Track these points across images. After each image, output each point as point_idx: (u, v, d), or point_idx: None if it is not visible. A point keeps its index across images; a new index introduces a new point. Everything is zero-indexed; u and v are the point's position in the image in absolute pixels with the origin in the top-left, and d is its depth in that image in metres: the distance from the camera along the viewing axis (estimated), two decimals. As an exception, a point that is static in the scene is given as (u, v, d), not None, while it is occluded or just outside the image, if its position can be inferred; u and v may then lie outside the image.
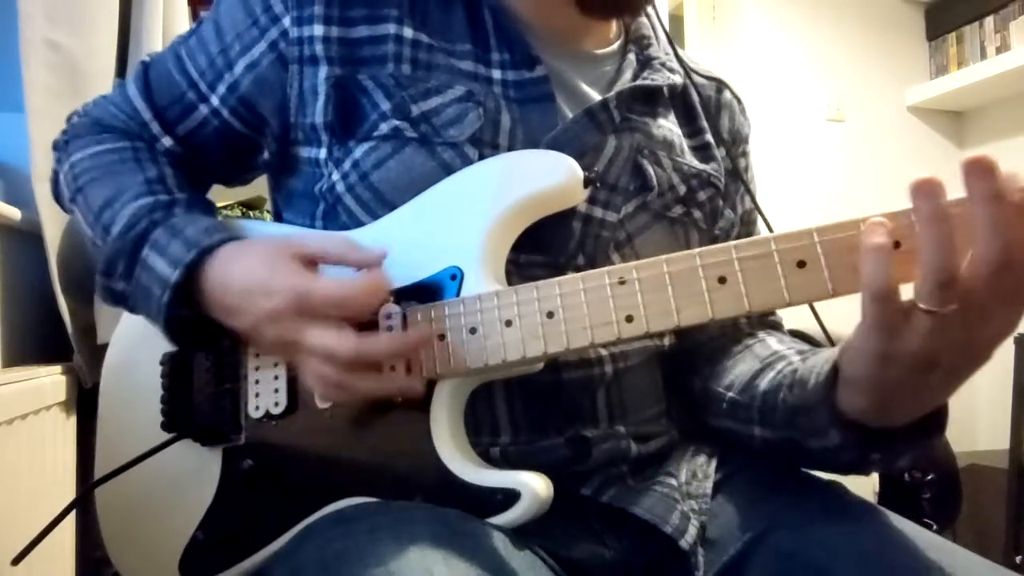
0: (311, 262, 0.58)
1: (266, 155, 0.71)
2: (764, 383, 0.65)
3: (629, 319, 0.53)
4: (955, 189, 0.46)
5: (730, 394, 0.68)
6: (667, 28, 0.80)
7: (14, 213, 0.93)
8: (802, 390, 0.58)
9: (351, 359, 0.54)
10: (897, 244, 0.46)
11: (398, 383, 0.57)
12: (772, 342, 0.72)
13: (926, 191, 0.44)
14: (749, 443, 0.67)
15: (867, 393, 0.51)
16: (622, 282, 0.54)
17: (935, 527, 0.68)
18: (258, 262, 0.58)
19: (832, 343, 0.74)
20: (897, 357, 0.46)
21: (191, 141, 0.72)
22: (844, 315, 0.52)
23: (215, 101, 0.69)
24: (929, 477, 0.74)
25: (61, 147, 0.73)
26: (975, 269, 0.42)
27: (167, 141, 0.71)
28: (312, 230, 0.68)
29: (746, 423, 0.66)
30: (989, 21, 2.59)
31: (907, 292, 0.46)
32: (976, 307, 0.43)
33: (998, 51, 2.54)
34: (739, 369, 0.69)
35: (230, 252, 0.60)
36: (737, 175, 0.77)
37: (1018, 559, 1.92)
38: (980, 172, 0.42)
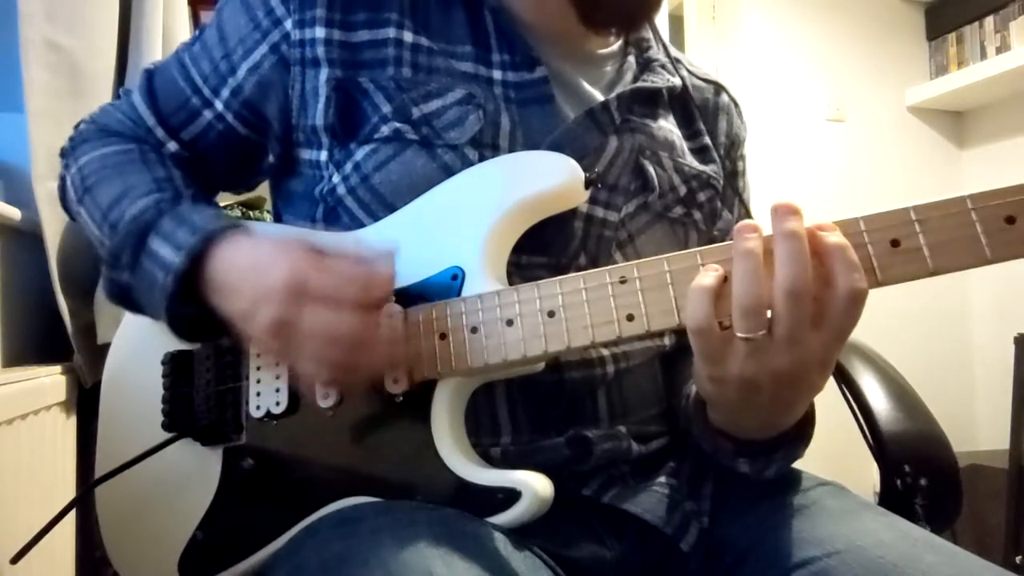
0: (318, 252, 0.57)
1: (271, 159, 0.71)
2: (685, 391, 0.69)
3: (630, 318, 0.53)
4: (955, 190, 0.47)
5: (672, 399, 0.72)
6: (667, 29, 0.80)
7: (14, 213, 0.93)
8: (689, 402, 0.65)
9: (354, 336, 0.53)
10: (726, 279, 0.50)
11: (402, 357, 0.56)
12: None
13: (744, 231, 0.49)
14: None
15: (715, 409, 0.59)
16: (623, 281, 0.54)
17: (930, 527, 0.68)
18: (265, 246, 0.57)
19: None
20: (725, 380, 0.52)
21: (196, 147, 0.72)
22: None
23: (219, 106, 0.70)
24: (926, 478, 0.74)
25: (68, 153, 0.73)
26: (775, 297, 0.48)
27: (172, 146, 0.71)
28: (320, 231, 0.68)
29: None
30: (989, 21, 2.59)
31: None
32: (784, 333, 0.48)
33: (998, 51, 2.54)
34: (685, 375, 0.71)
35: (235, 238, 0.58)
36: (735, 179, 0.77)
37: (1018, 559, 1.92)
38: (784, 212, 0.48)
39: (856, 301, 0.48)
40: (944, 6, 2.77)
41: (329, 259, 0.55)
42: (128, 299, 0.63)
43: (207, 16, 1.56)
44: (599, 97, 0.69)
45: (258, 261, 0.56)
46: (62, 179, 0.73)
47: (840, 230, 0.49)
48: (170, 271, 0.58)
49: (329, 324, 0.53)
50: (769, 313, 0.48)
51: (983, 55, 2.60)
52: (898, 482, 0.76)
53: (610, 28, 0.71)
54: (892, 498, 0.74)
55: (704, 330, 0.50)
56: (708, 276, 0.50)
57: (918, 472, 0.75)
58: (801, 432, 0.59)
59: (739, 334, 0.49)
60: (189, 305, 0.59)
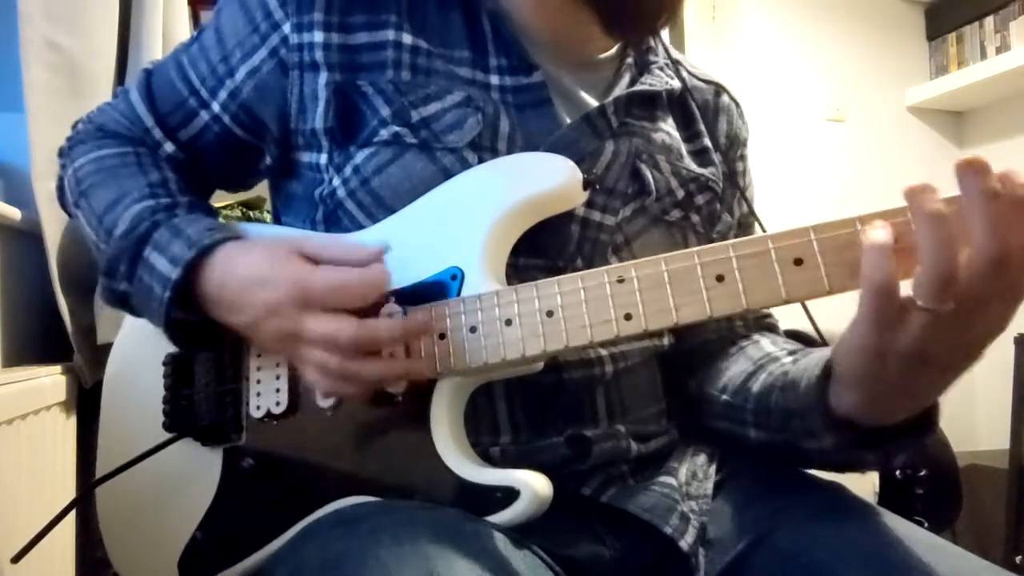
0: (310, 259, 0.58)
1: (268, 160, 0.71)
2: (756, 385, 0.65)
3: (628, 317, 0.53)
4: (954, 190, 0.47)
5: (724, 396, 0.69)
6: (666, 29, 0.80)
7: (14, 213, 0.93)
8: (794, 392, 0.59)
9: (353, 343, 0.54)
10: (894, 241, 0.46)
11: (403, 366, 0.57)
12: (765, 343, 0.72)
13: (923, 192, 0.45)
14: (745, 444, 0.67)
15: (859, 390, 0.52)
16: (621, 281, 0.54)
17: (926, 525, 0.68)
18: (259, 258, 0.58)
19: (824, 341, 0.74)
20: (892, 353, 0.47)
21: (193, 147, 0.72)
22: (837, 314, 0.52)
23: (216, 108, 0.70)
24: (922, 473, 0.74)
25: (65, 153, 0.74)
26: (972, 267, 0.43)
27: (169, 147, 0.72)
28: (312, 232, 0.68)
29: (741, 425, 0.67)
30: (989, 21, 2.59)
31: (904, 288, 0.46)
32: (972, 305, 0.43)
33: (998, 51, 2.54)
34: (732, 371, 0.70)
35: (230, 250, 0.60)
36: (733, 180, 0.77)
37: (1018, 559, 1.92)
38: (976, 171, 0.43)
39: None
40: (944, 6, 2.77)
41: (324, 266, 0.56)
42: (127, 306, 0.65)
43: (207, 16, 1.56)
44: (596, 101, 0.69)
45: (257, 274, 0.57)
46: (60, 180, 0.74)
47: (841, 228, 0.49)
48: (167, 285, 0.59)
49: (327, 331, 0.54)
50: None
51: (983, 55, 2.60)
52: (898, 481, 0.76)
53: (630, 34, 0.71)
54: (892, 498, 0.74)
55: (885, 291, 0.44)
56: (881, 232, 0.45)
57: (918, 472, 0.75)
58: (929, 417, 0.54)
59: (925, 305, 0.44)
60: (187, 315, 0.61)
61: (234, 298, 0.58)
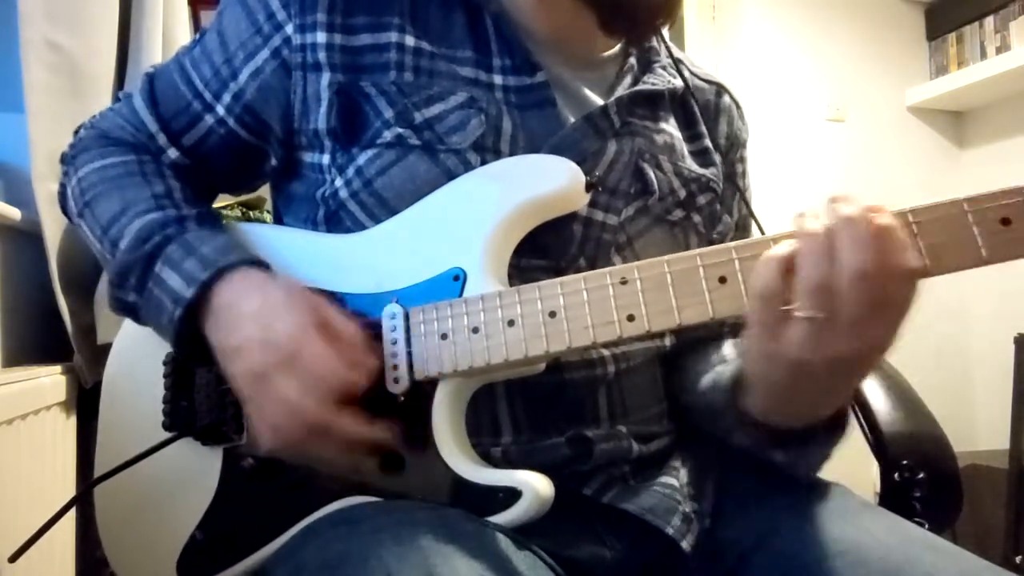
0: (325, 325, 0.57)
1: (273, 162, 0.71)
2: (702, 385, 0.68)
3: (631, 318, 0.53)
4: (955, 190, 0.47)
5: (684, 396, 0.71)
6: (667, 29, 0.80)
7: (14, 213, 0.93)
8: (713, 393, 0.64)
9: (313, 427, 0.54)
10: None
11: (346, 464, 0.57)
12: (727, 346, 0.73)
13: (801, 218, 0.49)
14: (712, 441, 0.69)
15: (759, 393, 0.57)
16: (624, 282, 0.54)
17: (927, 525, 0.68)
18: (278, 296, 0.58)
19: None
20: (778, 358, 0.50)
21: (197, 151, 0.72)
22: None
23: (220, 110, 0.69)
24: (922, 474, 0.74)
25: (68, 161, 0.73)
26: (840, 280, 0.47)
27: (173, 153, 0.71)
28: (325, 240, 0.67)
29: (702, 424, 0.70)
30: (989, 21, 2.59)
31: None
32: (846, 316, 0.47)
33: (998, 51, 2.54)
34: (696, 371, 0.71)
35: (245, 275, 0.60)
36: (734, 180, 0.77)
37: (1018, 559, 1.92)
38: (840, 201, 0.48)
39: (911, 281, 0.47)
40: (944, 6, 2.77)
41: (325, 342, 0.55)
42: (134, 315, 0.65)
43: (207, 16, 1.56)
44: (599, 101, 0.69)
45: (266, 308, 0.57)
46: (62, 187, 0.73)
47: None
48: (180, 303, 0.59)
49: (298, 403, 0.54)
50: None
51: (983, 55, 2.60)
52: (898, 482, 0.76)
53: (629, 34, 0.71)
54: (892, 498, 0.74)
55: (768, 296, 0.49)
56: (780, 248, 0.49)
57: (918, 472, 0.75)
58: (837, 422, 0.58)
59: (801, 313, 0.47)
60: (193, 328, 0.60)
61: (233, 320, 0.58)
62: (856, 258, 0.46)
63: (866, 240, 0.46)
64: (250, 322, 0.56)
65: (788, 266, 0.48)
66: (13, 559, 0.63)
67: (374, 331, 0.59)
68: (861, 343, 0.48)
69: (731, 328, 0.75)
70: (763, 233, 0.76)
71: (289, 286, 0.59)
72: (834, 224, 0.47)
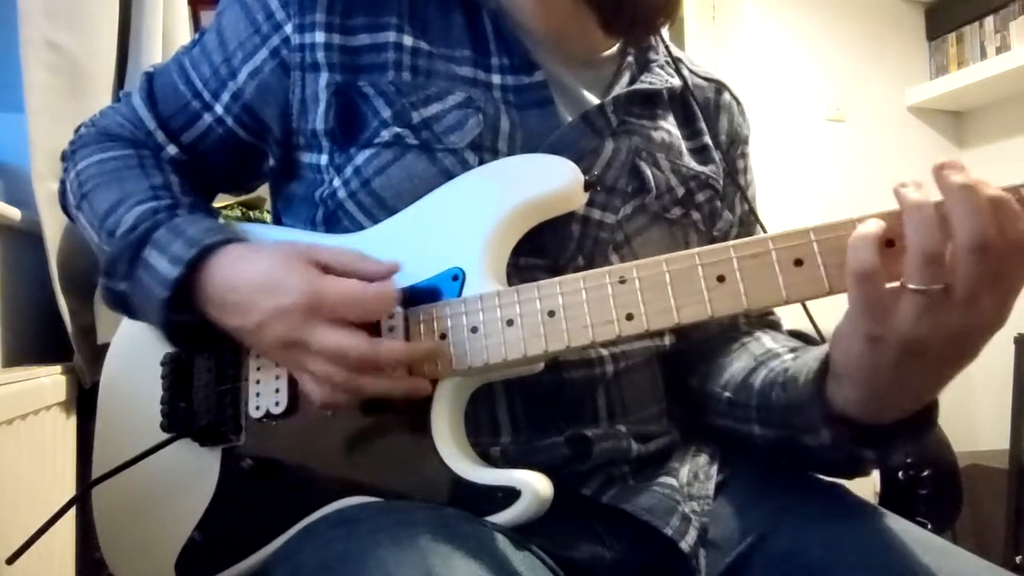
0: (323, 268, 0.58)
1: (271, 162, 0.71)
2: (758, 381, 0.65)
3: (629, 317, 0.53)
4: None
5: (726, 393, 0.69)
6: (667, 29, 0.79)
7: (14, 213, 0.93)
8: (794, 387, 0.59)
9: (362, 360, 0.54)
10: (891, 243, 0.48)
11: (406, 383, 0.57)
12: (766, 340, 0.72)
13: (906, 187, 0.47)
14: (750, 442, 0.67)
15: (857, 384, 0.52)
16: (622, 281, 0.54)
17: (928, 525, 0.68)
18: (269, 262, 0.58)
19: (824, 341, 0.74)
20: (886, 339, 0.48)
21: (196, 150, 0.72)
22: (837, 314, 0.52)
23: (219, 109, 0.70)
24: (925, 473, 0.74)
25: (68, 157, 0.74)
26: (955, 252, 0.45)
27: (172, 150, 0.72)
28: (322, 241, 0.68)
29: (745, 422, 0.66)
30: (989, 21, 2.59)
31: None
32: (962, 290, 0.45)
33: (998, 51, 2.54)
34: (734, 368, 0.70)
35: (236, 252, 0.60)
36: (734, 177, 0.77)
37: (1018, 559, 1.92)
38: (951, 169, 0.46)
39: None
40: (944, 6, 2.77)
41: (335, 277, 0.56)
42: (126, 307, 0.64)
43: (207, 16, 1.56)
44: (596, 100, 0.69)
45: (267, 278, 0.57)
46: (62, 183, 0.74)
47: (840, 229, 0.49)
48: (166, 284, 0.59)
49: (339, 345, 0.54)
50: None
51: (983, 55, 2.60)
52: (898, 482, 0.76)
53: (629, 34, 0.71)
54: (893, 498, 0.74)
55: (870, 276, 0.47)
56: (869, 224, 0.48)
57: (918, 472, 0.75)
58: (927, 415, 0.55)
59: (914, 286, 0.46)
60: (185, 315, 0.60)
61: (240, 299, 0.58)
62: (973, 228, 0.44)
63: (983, 209, 0.44)
64: (257, 296, 0.57)
65: (885, 241, 0.47)
66: (11, 560, 0.63)
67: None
68: (975, 318, 0.46)
69: (754, 320, 0.75)
70: (763, 229, 0.76)
71: (272, 246, 0.60)
72: (946, 193, 0.45)
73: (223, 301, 0.59)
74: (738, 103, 0.81)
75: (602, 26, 0.68)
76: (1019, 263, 0.46)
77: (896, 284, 0.47)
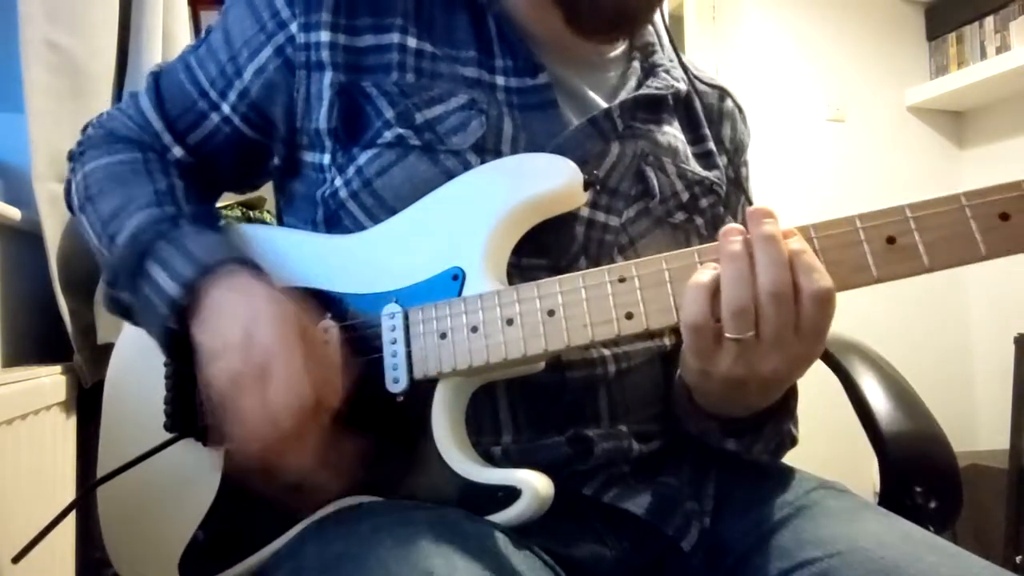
0: (310, 342, 0.56)
1: (276, 160, 0.71)
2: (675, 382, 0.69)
3: (629, 316, 0.54)
4: (954, 189, 0.48)
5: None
6: (669, 31, 0.79)
7: (14, 213, 0.93)
8: (676, 387, 0.66)
9: (288, 432, 0.53)
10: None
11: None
12: None
13: (728, 234, 0.51)
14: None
15: (701, 399, 0.61)
16: (622, 280, 0.54)
17: (928, 526, 0.68)
18: (267, 304, 0.56)
19: None
20: (712, 375, 0.54)
21: (203, 150, 0.72)
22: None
23: (226, 109, 0.70)
24: (926, 478, 0.74)
25: (76, 157, 0.74)
26: (758, 300, 0.49)
27: (178, 151, 0.72)
28: (323, 241, 0.67)
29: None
30: (989, 21, 2.59)
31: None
32: (768, 335, 0.50)
33: (998, 51, 2.54)
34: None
35: (233, 275, 0.58)
36: (739, 184, 0.77)
37: (1018, 559, 1.92)
38: (759, 217, 0.51)
39: (822, 300, 0.49)
40: (944, 6, 2.77)
41: (315, 354, 0.55)
42: (128, 314, 0.65)
43: (207, 16, 1.56)
44: (602, 103, 0.69)
45: (250, 312, 0.55)
46: (68, 183, 0.74)
47: (835, 229, 0.50)
48: (168, 302, 0.58)
49: (278, 410, 0.52)
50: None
51: (983, 55, 2.60)
52: (898, 482, 0.76)
53: (596, 34, 0.70)
54: (892, 498, 0.74)
55: (699, 327, 0.51)
56: (705, 274, 0.52)
57: (918, 472, 0.75)
58: (785, 406, 0.61)
59: (728, 335, 0.50)
60: (182, 329, 0.59)
61: (218, 322, 0.56)
62: (772, 278, 0.49)
63: (783, 261, 0.49)
64: (233, 326, 0.55)
65: (714, 290, 0.51)
66: (17, 559, 0.63)
67: (373, 331, 0.59)
68: (787, 358, 0.51)
69: None
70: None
71: (275, 292, 0.58)
72: (753, 242, 0.50)
73: (206, 318, 0.57)
74: (740, 111, 0.81)
75: (566, 24, 0.67)
76: (815, 311, 0.49)
77: (717, 330, 0.51)
